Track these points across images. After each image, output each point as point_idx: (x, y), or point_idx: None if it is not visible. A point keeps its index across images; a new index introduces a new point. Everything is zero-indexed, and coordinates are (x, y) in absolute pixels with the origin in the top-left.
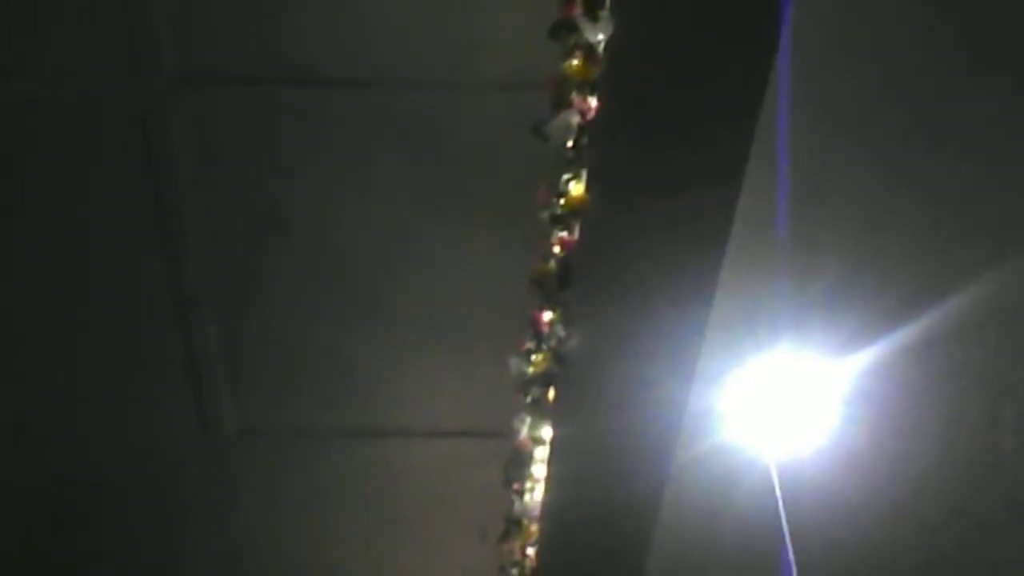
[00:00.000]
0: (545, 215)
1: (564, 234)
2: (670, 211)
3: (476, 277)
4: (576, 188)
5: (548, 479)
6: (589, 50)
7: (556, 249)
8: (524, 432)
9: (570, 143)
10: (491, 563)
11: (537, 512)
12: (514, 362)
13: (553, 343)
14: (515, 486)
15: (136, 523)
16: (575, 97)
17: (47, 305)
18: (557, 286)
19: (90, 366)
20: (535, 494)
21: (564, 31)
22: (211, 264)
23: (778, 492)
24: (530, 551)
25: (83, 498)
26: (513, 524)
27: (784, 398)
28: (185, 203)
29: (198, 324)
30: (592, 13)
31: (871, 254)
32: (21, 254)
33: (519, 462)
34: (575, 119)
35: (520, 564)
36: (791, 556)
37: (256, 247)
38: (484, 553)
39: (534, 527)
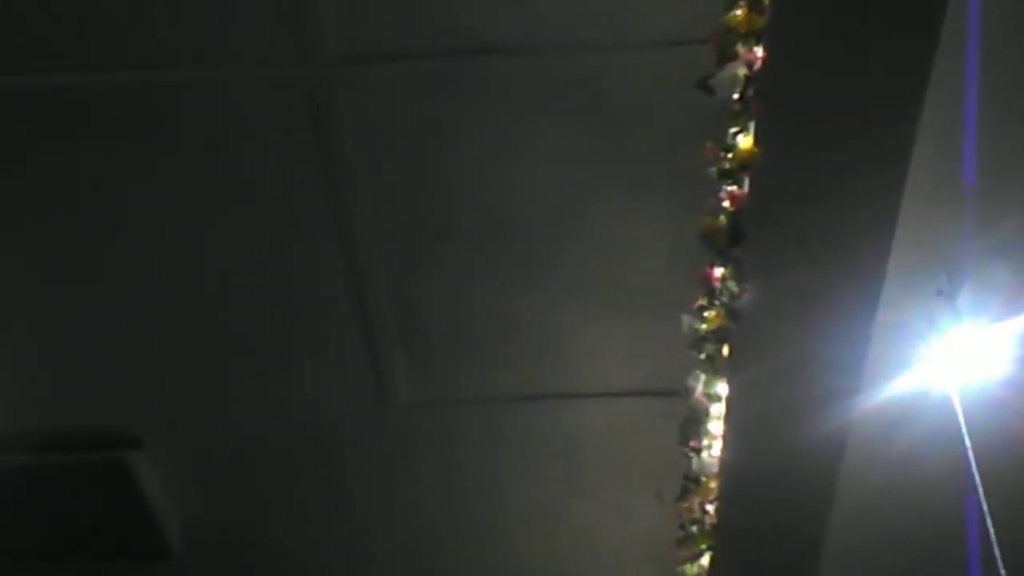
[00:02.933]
0: (713, 170)
1: (733, 188)
2: (841, 161)
3: (645, 236)
4: (744, 141)
5: (726, 434)
6: None
7: (726, 204)
8: (699, 389)
9: (737, 95)
10: (669, 523)
11: (715, 469)
12: (686, 319)
13: (726, 299)
14: (691, 444)
15: (311, 495)
16: (740, 48)
17: (223, 281)
18: (728, 241)
19: (264, 340)
20: (712, 451)
21: None
22: (381, 236)
23: (965, 435)
24: (709, 508)
25: (260, 469)
26: (691, 482)
27: (966, 345)
28: (353, 179)
29: (370, 295)
30: None
31: None
32: (197, 230)
33: (695, 420)
34: (742, 71)
35: (700, 522)
36: (980, 500)
37: (424, 218)
38: (662, 513)
39: (712, 484)
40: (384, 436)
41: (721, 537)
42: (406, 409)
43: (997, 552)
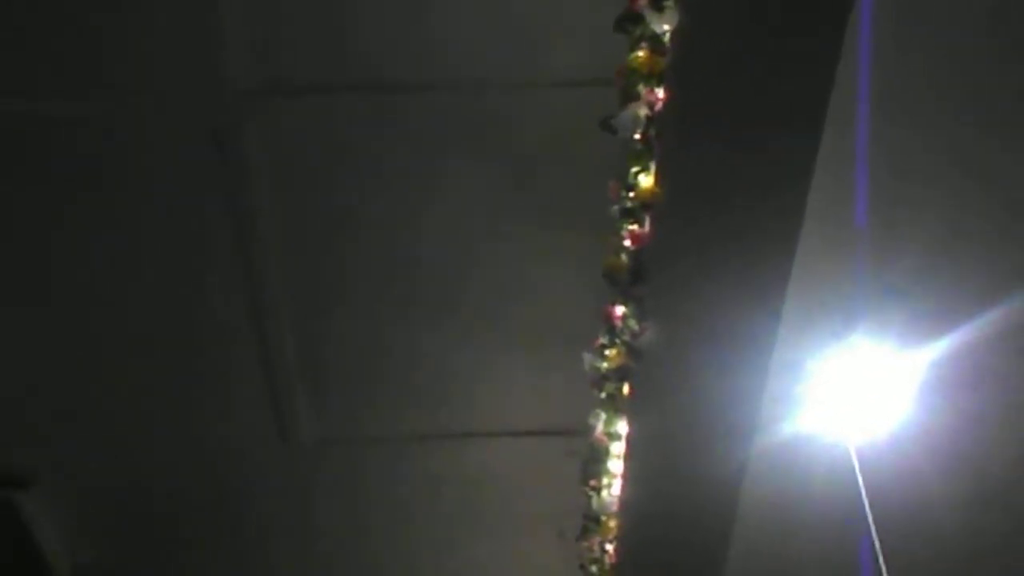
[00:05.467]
0: (615, 209)
1: (635, 227)
2: (742, 200)
3: (548, 275)
4: (646, 180)
5: (626, 474)
6: (655, 41)
7: (628, 243)
8: (600, 428)
9: (638, 135)
10: (570, 562)
11: (615, 508)
12: (588, 358)
13: (627, 337)
14: (592, 483)
15: (210, 534)
16: (643, 89)
17: (122, 314)
18: (629, 280)
19: (167, 374)
20: (612, 490)
21: (630, 23)
22: (285, 272)
23: (859, 477)
24: (609, 547)
25: (157, 509)
26: (591, 521)
27: (861, 385)
28: (258, 212)
29: (274, 332)
30: (658, 4)
31: (949, 243)
32: (98, 263)
33: (595, 459)
34: (643, 111)
35: (600, 561)
36: (874, 542)
37: (329, 253)
38: (563, 552)
39: (612, 523)
40: (286, 473)
41: (623, 570)
42: (308, 446)
43: None
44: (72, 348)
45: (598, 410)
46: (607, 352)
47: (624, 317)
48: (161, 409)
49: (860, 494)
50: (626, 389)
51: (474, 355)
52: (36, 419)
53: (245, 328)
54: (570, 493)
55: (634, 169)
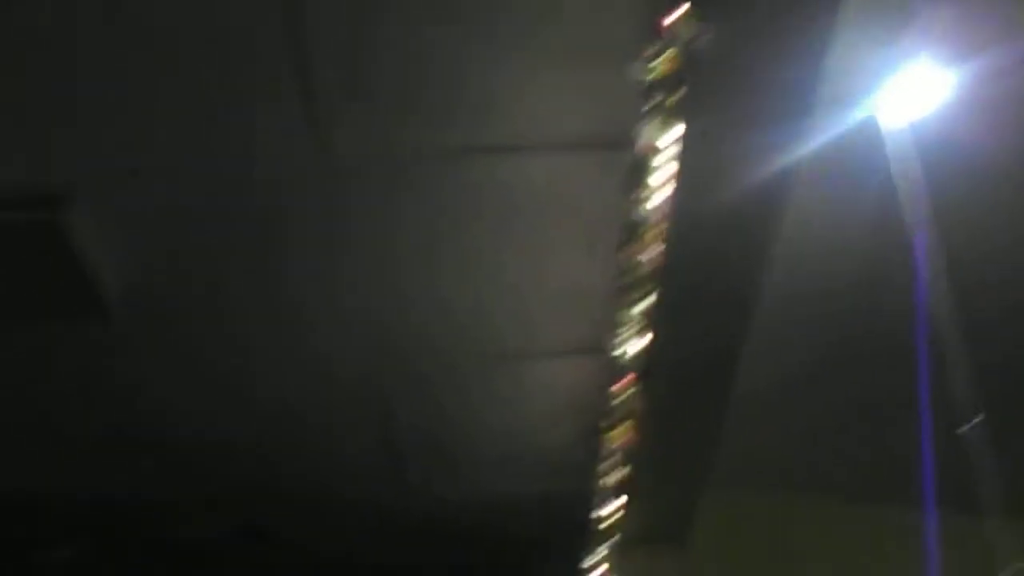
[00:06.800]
0: None
1: None
2: None
3: None
4: None
5: (678, 175)
6: None
7: None
8: (647, 138)
9: None
10: (604, 276)
11: (657, 217)
12: (636, 67)
13: (685, 42)
14: (635, 193)
15: (246, 249)
16: None
17: (151, 24)
18: None
19: (201, 90)
20: (655, 200)
21: None
22: None
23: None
24: (646, 258)
25: (199, 225)
26: (632, 231)
27: (916, 84)
28: None
29: (311, 40)
30: None
31: None
32: None
33: (640, 169)
34: None
35: (639, 269)
36: (927, 237)
37: None
38: (597, 266)
39: (653, 232)
40: (321, 188)
41: (666, 276)
42: (347, 161)
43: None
44: (109, 61)
45: (645, 120)
46: (658, 60)
47: (681, 20)
48: (196, 128)
49: (915, 187)
50: (676, 97)
51: (519, 67)
52: (75, 133)
53: (279, 38)
54: (609, 208)
55: None
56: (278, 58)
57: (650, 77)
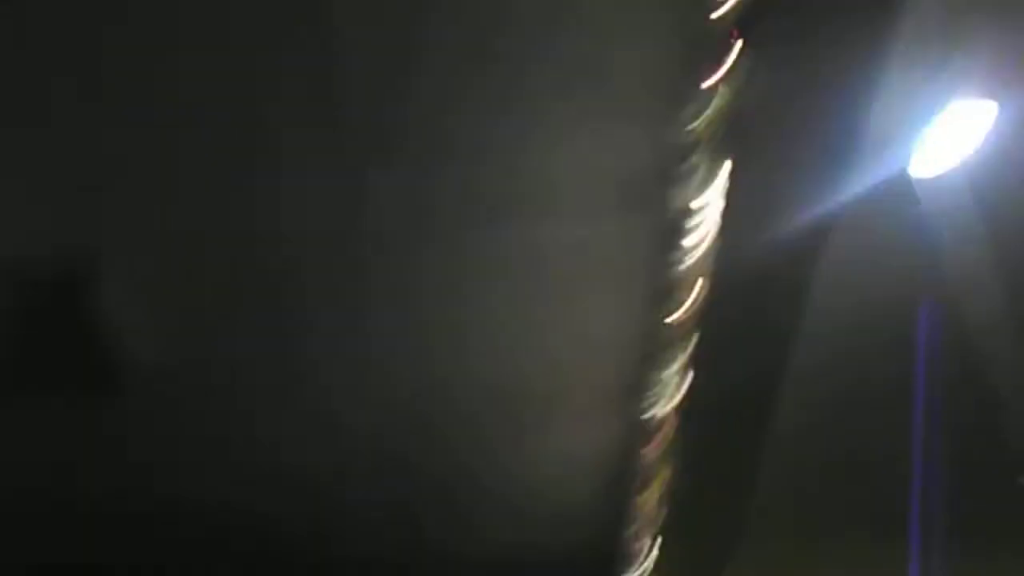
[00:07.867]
0: None
1: None
2: None
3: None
4: None
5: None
6: None
7: None
8: (683, 198)
9: None
10: (636, 336)
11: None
12: (675, 126)
13: (725, 99)
14: (671, 254)
15: (266, 307)
16: None
17: None
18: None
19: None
20: (690, 260)
21: None
22: None
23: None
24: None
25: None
26: (667, 291)
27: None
28: None
29: (342, 100)
30: None
31: None
32: None
33: (676, 229)
34: None
35: (671, 331)
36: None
37: None
38: (629, 327)
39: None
40: (344, 248)
41: (703, 330)
42: (369, 221)
43: None
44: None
45: (683, 180)
46: (698, 120)
47: (721, 80)
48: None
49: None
50: (718, 152)
51: (553, 127)
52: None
53: (311, 100)
54: (643, 269)
55: None
56: (308, 119)
57: (689, 135)
